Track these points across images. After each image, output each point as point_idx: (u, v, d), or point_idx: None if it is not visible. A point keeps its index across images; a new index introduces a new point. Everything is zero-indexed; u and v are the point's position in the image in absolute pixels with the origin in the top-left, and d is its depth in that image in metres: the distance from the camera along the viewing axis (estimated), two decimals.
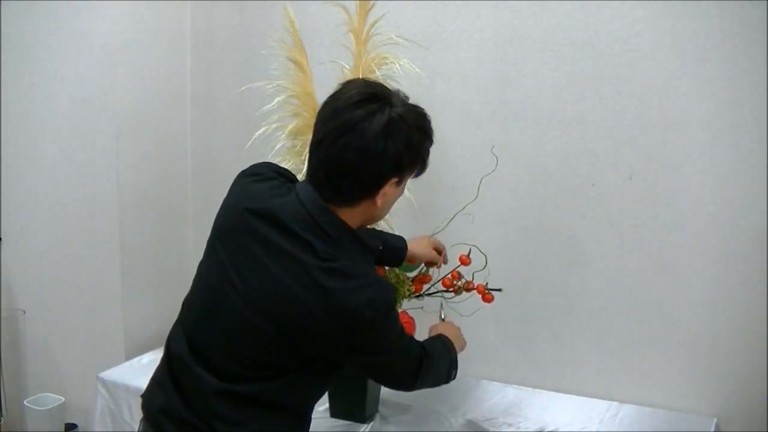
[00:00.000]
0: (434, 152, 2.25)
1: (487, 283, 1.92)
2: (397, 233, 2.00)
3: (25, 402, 2.62)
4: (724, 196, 1.95)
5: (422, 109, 1.39)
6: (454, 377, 1.64)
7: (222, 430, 1.34)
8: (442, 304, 1.90)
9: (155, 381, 1.46)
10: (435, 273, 1.99)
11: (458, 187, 2.21)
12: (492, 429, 1.99)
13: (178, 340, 1.42)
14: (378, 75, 1.92)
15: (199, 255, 1.46)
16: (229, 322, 1.35)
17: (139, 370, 2.35)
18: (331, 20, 2.06)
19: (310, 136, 1.91)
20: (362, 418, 2.02)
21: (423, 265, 1.92)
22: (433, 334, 1.71)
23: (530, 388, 2.22)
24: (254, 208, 1.35)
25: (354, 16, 1.99)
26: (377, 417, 2.04)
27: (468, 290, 1.93)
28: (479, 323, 2.17)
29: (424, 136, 1.38)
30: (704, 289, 2.00)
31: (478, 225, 2.05)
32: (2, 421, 2.71)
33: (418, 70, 1.97)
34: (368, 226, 1.57)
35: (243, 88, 2.24)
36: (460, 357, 1.68)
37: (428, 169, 2.19)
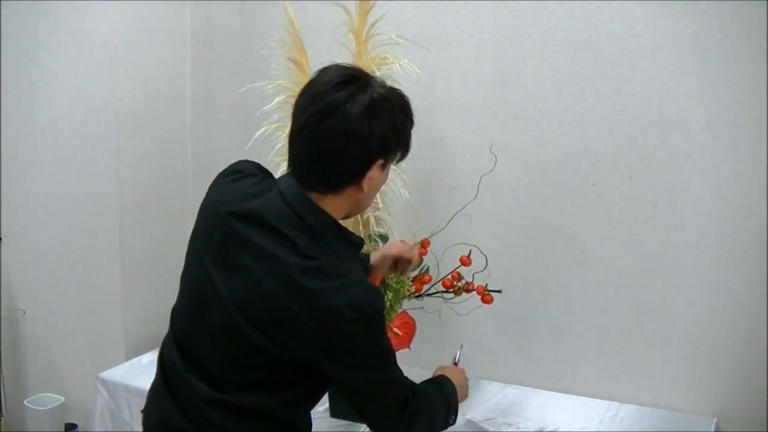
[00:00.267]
0: (434, 152, 2.27)
1: (486, 284, 1.92)
2: (396, 234, 2.01)
3: (25, 402, 2.62)
4: (724, 196, 1.95)
5: (401, 90, 1.35)
6: (453, 422, 1.53)
7: None
8: (461, 348, 1.80)
9: (152, 392, 1.44)
10: (435, 273, 1.99)
11: (458, 187, 2.20)
12: (492, 429, 1.99)
13: (170, 349, 1.40)
14: (378, 75, 1.91)
15: None
16: (216, 328, 1.32)
17: (139, 370, 2.35)
18: (331, 20, 2.06)
19: None
20: None
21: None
22: (438, 374, 1.61)
23: (530, 388, 2.22)
24: (235, 210, 1.31)
25: (354, 16, 1.99)
26: None
27: (468, 291, 1.93)
28: (479, 323, 2.18)
29: (406, 118, 1.34)
30: (704, 289, 2.00)
31: (477, 225, 2.05)
32: (2, 421, 2.71)
33: (418, 70, 1.97)
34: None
35: (243, 88, 2.24)
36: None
37: (428, 169, 2.20)
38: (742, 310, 1.97)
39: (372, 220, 1.98)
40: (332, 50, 2.10)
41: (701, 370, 2.04)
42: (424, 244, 1.95)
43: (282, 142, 2.01)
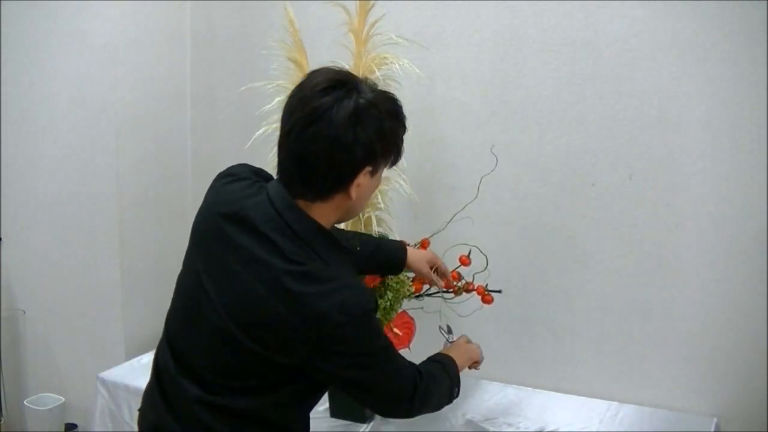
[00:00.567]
0: (434, 152, 2.27)
1: (487, 285, 1.92)
2: (396, 234, 2.01)
3: (25, 402, 2.62)
4: (724, 196, 1.95)
5: (392, 94, 1.33)
6: (457, 395, 1.56)
7: None
8: (446, 329, 1.85)
9: (146, 395, 1.45)
10: None
11: (458, 187, 2.20)
12: (492, 429, 1.99)
13: (164, 353, 1.40)
14: (378, 75, 1.92)
15: None
16: (207, 331, 1.31)
17: (139, 370, 2.35)
18: (331, 20, 2.06)
19: None
20: (362, 417, 2.02)
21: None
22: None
23: (530, 388, 2.22)
24: (225, 212, 1.31)
25: (354, 16, 1.99)
26: (377, 417, 2.04)
27: (468, 291, 1.93)
28: (479, 323, 2.17)
29: (396, 122, 1.31)
30: (704, 289, 2.00)
31: (478, 225, 2.05)
32: (2, 421, 2.71)
33: (417, 70, 1.97)
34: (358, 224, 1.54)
35: (243, 88, 2.24)
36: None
37: (428, 169, 2.20)
38: (742, 310, 1.96)
39: (374, 220, 1.98)
40: (332, 50, 2.11)
41: (701, 370, 2.04)
42: (424, 244, 1.95)
43: None
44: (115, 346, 2.56)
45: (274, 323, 1.24)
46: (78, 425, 2.67)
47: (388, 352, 1.37)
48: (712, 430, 1.96)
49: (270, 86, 2.06)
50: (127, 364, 2.44)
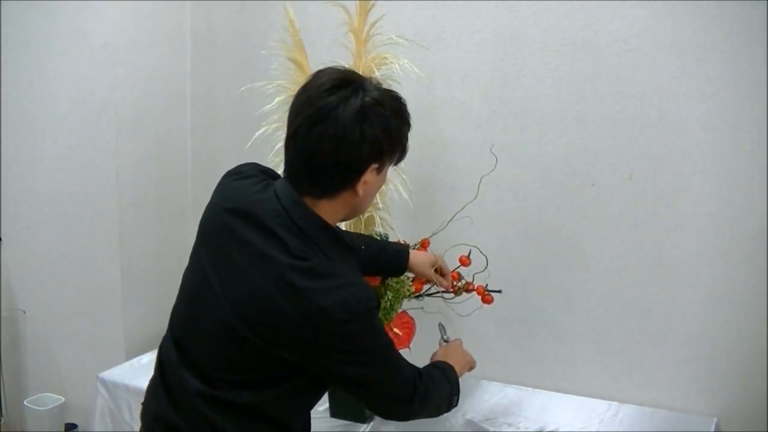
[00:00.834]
0: (434, 152, 2.27)
1: (487, 285, 1.92)
2: (397, 233, 2.01)
3: (25, 402, 2.62)
4: (724, 196, 1.95)
5: (397, 92, 1.35)
6: (456, 404, 1.55)
7: None
8: (443, 327, 1.86)
9: (150, 388, 1.46)
10: None
11: (458, 187, 2.21)
12: (492, 429, 1.99)
13: (168, 345, 1.41)
14: (378, 75, 1.92)
15: None
16: (211, 325, 1.32)
17: (139, 370, 2.35)
18: (331, 20, 2.06)
19: None
20: (362, 417, 2.02)
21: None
22: (434, 360, 1.63)
23: (530, 388, 2.22)
24: (232, 207, 1.33)
25: (354, 16, 1.99)
26: (377, 417, 2.04)
27: (468, 291, 1.93)
28: (479, 323, 2.17)
29: (401, 120, 1.33)
30: (704, 289, 2.00)
31: (478, 225, 2.05)
32: (2, 421, 2.71)
33: (417, 70, 1.97)
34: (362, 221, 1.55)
35: (243, 88, 2.24)
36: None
37: (428, 169, 2.20)
38: (742, 310, 1.96)
39: (377, 219, 1.98)
40: (332, 50, 2.10)
41: (701, 370, 2.04)
42: (424, 244, 1.95)
43: (282, 142, 2.01)
44: (115, 346, 2.56)
45: (278, 318, 1.25)
46: (78, 425, 2.67)
47: (389, 351, 1.37)
48: (712, 430, 1.96)
49: (270, 86, 2.06)
50: (127, 364, 2.44)
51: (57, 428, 2.62)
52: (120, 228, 2.52)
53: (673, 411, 2.05)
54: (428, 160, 2.27)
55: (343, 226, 1.90)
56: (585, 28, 2.04)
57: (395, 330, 1.93)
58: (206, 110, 2.68)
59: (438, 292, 1.96)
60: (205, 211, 1.40)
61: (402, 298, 1.94)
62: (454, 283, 1.93)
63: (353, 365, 1.31)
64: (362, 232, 1.98)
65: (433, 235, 1.96)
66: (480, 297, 1.93)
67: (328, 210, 1.32)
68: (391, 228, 2.02)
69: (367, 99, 1.26)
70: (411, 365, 1.43)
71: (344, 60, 2.02)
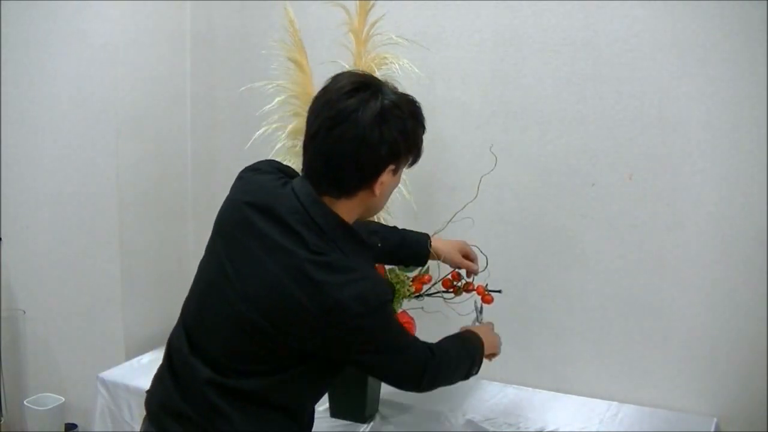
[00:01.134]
0: (434, 152, 2.26)
1: (487, 285, 1.92)
2: None
3: (25, 402, 2.62)
4: (724, 196, 1.95)
5: (413, 96, 1.40)
6: (476, 372, 1.62)
7: (217, 422, 1.35)
8: (480, 308, 1.87)
9: (156, 377, 1.48)
10: (435, 273, 1.99)
11: (458, 187, 2.21)
12: (492, 429, 1.99)
13: (179, 335, 1.44)
14: (378, 75, 1.91)
15: (199, 255, 1.46)
16: (225, 315, 1.35)
17: (139, 370, 2.35)
18: (331, 20, 2.06)
19: None
20: (362, 418, 2.02)
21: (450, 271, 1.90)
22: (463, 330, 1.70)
23: (530, 388, 2.22)
24: (252, 201, 1.35)
25: (354, 16, 1.99)
26: (377, 417, 2.04)
27: (468, 291, 1.93)
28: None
29: (417, 123, 1.38)
30: (704, 289, 2.00)
31: (478, 225, 2.05)
32: (2, 421, 2.71)
33: (417, 70, 1.97)
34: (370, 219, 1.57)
35: (243, 88, 2.24)
36: None
37: (428, 169, 2.19)
38: (742, 310, 1.96)
39: (376, 219, 1.98)
40: (332, 50, 2.11)
41: (701, 370, 2.04)
42: None
43: (282, 141, 2.01)
44: (115, 346, 2.56)
45: (294, 310, 1.28)
46: (78, 425, 2.67)
47: (401, 338, 1.42)
48: (712, 430, 1.96)
49: (270, 86, 2.06)
50: (127, 364, 2.44)
51: (57, 428, 2.62)
52: (120, 228, 2.51)
53: (673, 411, 2.05)
54: (428, 160, 2.23)
55: None
56: (585, 28, 2.04)
57: None
58: (206, 110, 2.68)
59: (438, 292, 1.96)
60: (224, 205, 1.43)
61: (402, 298, 1.94)
62: (454, 283, 1.93)
63: (367, 354, 1.36)
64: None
65: (434, 235, 1.95)
66: (480, 297, 1.93)
67: (345, 209, 1.35)
68: None
69: (386, 102, 1.31)
70: (423, 344, 1.48)
71: (344, 60, 2.02)
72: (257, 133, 2.04)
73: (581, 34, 2.04)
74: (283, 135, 2.03)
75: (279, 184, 1.38)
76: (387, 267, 1.96)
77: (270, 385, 1.36)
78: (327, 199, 1.34)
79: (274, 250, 1.30)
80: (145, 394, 1.50)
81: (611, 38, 2.01)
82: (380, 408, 2.08)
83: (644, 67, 1.99)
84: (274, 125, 2.04)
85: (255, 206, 1.34)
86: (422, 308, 1.99)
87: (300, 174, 1.40)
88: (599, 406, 2.10)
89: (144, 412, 1.49)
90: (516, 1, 2.11)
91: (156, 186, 2.61)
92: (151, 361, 2.38)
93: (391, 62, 1.96)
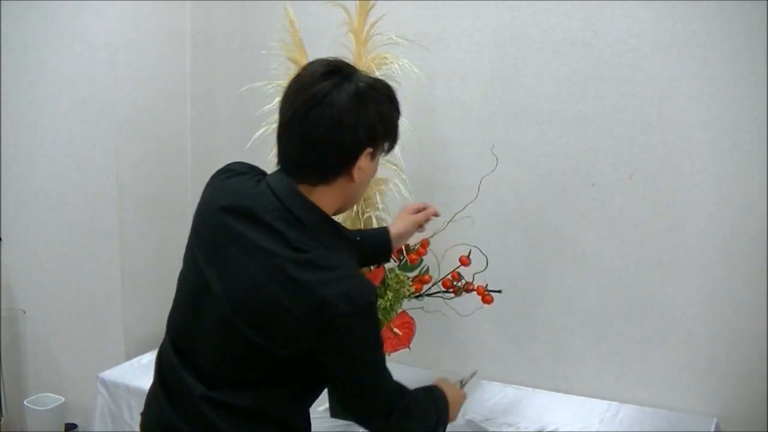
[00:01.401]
0: (434, 152, 2.27)
1: (487, 285, 1.92)
2: None
3: (25, 402, 2.62)
4: (724, 196, 1.95)
5: (386, 81, 1.37)
6: None
7: None
8: (474, 374, 1.77)
9: (150, 394, 1.44)
10: (435, 273, 1.99)
11: (458, 187, 2.20)
12: (492, 429, 1.98)
13: (167, 351, 1.40)
14: (378, 75, 1.91)
15: None
16: (210, 324, 1.32)
17: (139, 370, 2.35)
18: (331, 20, 2.06)
19: None
20: None
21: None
22: (436, 383, 1.57)
23: (530, 388, 2.22)
24: (227, 205, 1.32)
25: (354, 16, 1.99)
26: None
27: (468, 291, 1.93)
28: (479, 323, 2.17)
29: (393, 107, 1.35)
30: (704, 289, 2.00)
31: (478, 225, 2.05)
32: (2, 421, 2.71)
33: (417, 70, 1.97)
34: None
35: (243, 88, 2.24)
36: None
37: (428, 169, 2.19)
38: (742, 310, 1.96)
39: (374, 221, 1.98)
40: (332, 50, 2.09)
41: (701, 370, 2.04)
42: (424, 244, 1.95)
43: None
44: (115, 346, 2.56)
45: (278, 313, 1.24)
46: (78, 425, 2.67)
47: (381, 355, 1.36)
48: (712, 430, 1.96)
49: (270, 86, 2.06)
50: (127, 364, 2.44)
51: (57, 428, 2.62)
52: (120, 228, 2.51)
53: (673, 411, 2.05)
54: (428, 160, 2.27)
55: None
56: (585, 28, 2.04)
57: (395, 330, 1.93)
58: (206, 110, 2.68)
59: (438, 292, 1.96)
60: (197, 212, 1.39)
61: (402, 298, 1.94)
62: (454, 283, 1.93)
63: (347, 364, 1.30)
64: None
65: (434, 235, 1.96)
66: (480, 297, 1.93)
67: (324, 198, 1.32)
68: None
69: (361, 84, 1.28)
70: (396, 382, 1.39)
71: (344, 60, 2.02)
72: (257, 133, 2.03)
73: (581, 34, 2.04)
74: None
75: (253, 183, 1.34)
76: (387, 267, 1.96)
77: (265, 400, 1.32)
78: (304, 189, 1.30)
79: (254, 252, 1.26)
80: (146, 395, 1.49)
81: (611, 38, 2.01)
82: None
83: (644, 67, 1.99)
84: (274, 125, 2.03)
85: (231, 210, 1.31)
86: (422, 308, 1.99)
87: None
88: (599, 406, 2.10)
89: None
90: (516, 1, 2.11)
91: (156, 186, 2.61)
92: (151, 361, 2.34)
93: (391, 62, 1.96)
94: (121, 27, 2.43)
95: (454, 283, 1.93)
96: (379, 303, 1.90)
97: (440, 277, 1.97)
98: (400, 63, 1.96)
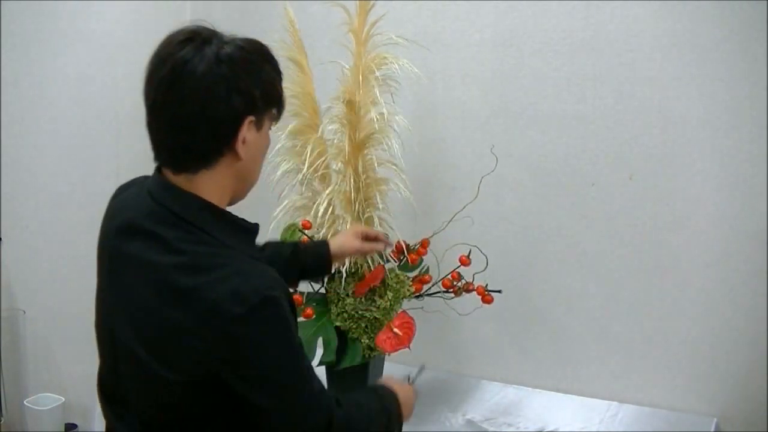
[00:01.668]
0: (434, 152, 2.27)
1: (487, 285, 1.92)
2: (397, 234, 2.00)
3: (25, 402, 2.62)
4: (724, 196, 1.95)
5: (262, 42, 1.23)
6: None
7: None
8: (422, 369, 1.69)
9: None
10: (435, 273, 2.00)
11: (458, 187, 2.21)
12: (492, 429, 1.99)
13: (103, 408, 1.33)
14: (378, 75, 1.92)
15: None
16: (126, 368, 1.20)
17: None
18: (331, 20, 2.06)
19: (310, 136, 1.93)
20: None
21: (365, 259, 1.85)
22: (381, 382, 1.43)
23: (530, 388, 2.22)
24: (117, 225, 1.23)
25: (354, 16, 1.99)
26: None
27: (468, 291, 1.93)
28: (479, 323, 2.17)
29: (270, 66, 1.20)
30: (704, 289, 2.00)
31: (478, 225, 2.05)
32: (2, 421, 2.71)
33: (417, 70, 1.97)
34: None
35: None
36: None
37: (428, 169, 2.19)
38: (742, 310, 1.96)
39: (375, 220, 1.98)
40: (332, 50, 2.10)
41: (701, 370, 2.04)
42: (424, 244, 1.96)
43: (282, 142, 2.01)
44: None
45: (172, 332, 1.10)
46: (78, 425, 2.67)
47: (301, 361, 1.16)
48: (712, 430, 1.96)
49: None
50: None
51: (57, 428, 2.62)
52: None
53: (673, 411, 2.05)
54: (428, 160, 2.27)
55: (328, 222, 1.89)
56: (585, 28, 2.04)
57: (395, 330, 1.93)
58: None
59: (438, 292, 1.96)
60: (98, 242, 1.30)
61: (402, 298, 1.94)
62: (454, 283, 1.93)
63: (256, 385, 1.11)
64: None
65: (434, 235, 1.96)
66: (480, 297, 1.93)
67: (209, 185, 1.16)
68: (391, 228, 2.02)
69: (226, 46, 1.15)
70: (327, 393, 1.21)
71: (344, 60, 2.02)
72: None
73: (581, 34, 2.04)
74: (283, 135, 2.02)
75: (136, 191, 1.23)
76: (387, 267, 1.96)
77: None
78: (184, 180, 1.15)
79: (140, 269, 1.13)
80: None
81: (611, 38, 2.01)
82: None
83: (644, 67, 1.99)
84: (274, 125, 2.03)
85: (119, 229, 1.21)
86: (422, 308, 1.99)
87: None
88: (599, 406, 2.10)
89: None
90: (516, 1, 2.11)
91: None
92: None
93: (391, 62, 1.96)
94: (121, 27, 2.43)
95: (454, 283, 1.93)
96: (379, 303, 1.90)
97: (440, 277, 1.97)
98: (400, 63, 1.96)
